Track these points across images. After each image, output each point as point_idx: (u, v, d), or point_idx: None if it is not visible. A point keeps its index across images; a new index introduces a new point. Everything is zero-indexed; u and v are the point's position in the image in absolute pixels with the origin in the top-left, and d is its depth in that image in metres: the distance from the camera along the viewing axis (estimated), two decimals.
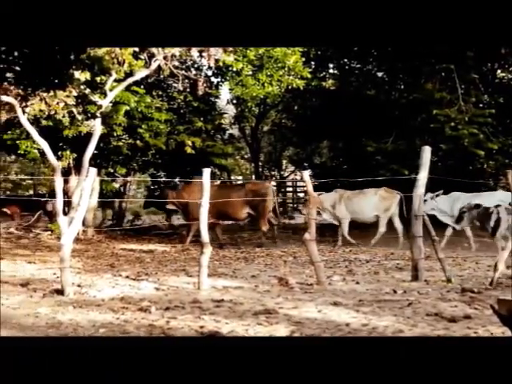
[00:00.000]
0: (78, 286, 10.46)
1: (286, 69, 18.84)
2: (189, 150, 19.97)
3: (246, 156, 34.57)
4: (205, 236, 10.58)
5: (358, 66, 23.85)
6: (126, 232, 20.22)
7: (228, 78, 20.08)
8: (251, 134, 30.15)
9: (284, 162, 34.03)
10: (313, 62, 23.29)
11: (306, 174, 11.68)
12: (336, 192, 17.83)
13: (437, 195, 13.77)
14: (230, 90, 21.83)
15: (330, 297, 9.28)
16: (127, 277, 11.50)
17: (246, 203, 17.27)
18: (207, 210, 10.60)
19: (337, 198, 17.62)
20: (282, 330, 7.25)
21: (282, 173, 33.72)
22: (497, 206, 10.64)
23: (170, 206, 18.74)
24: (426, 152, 10.63)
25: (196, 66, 20.93)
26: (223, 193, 17.61)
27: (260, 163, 31.70)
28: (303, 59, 19.34)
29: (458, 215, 11.08)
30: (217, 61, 13.65)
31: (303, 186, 20.12)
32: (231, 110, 29.43)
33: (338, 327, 7.33)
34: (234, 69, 18.37)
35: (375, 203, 16.80)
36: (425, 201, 13.34)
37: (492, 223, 10.48)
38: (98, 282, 11.01)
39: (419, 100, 20.54)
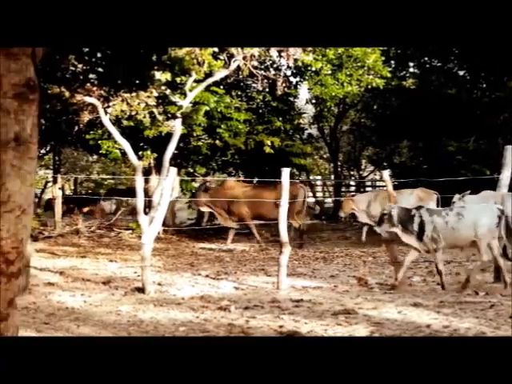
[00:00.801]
0: (159, 284, 10.59)
1: (366, 68, 18.67)
2: (268, 149, 19.97)
3: (324, 156, 34.38)
4: (284, 236, 10.58)
5: (439, 64, 23.44)
6: (206, 231, 20.37)
7: (307, 77, 20.00)
8: (330, 133, 29.97)
9: (363, 161, 33.74)
10: (393, 61, 23.04)
11: (386, 173, 11.56)
12: (372, 192, 17.61)
13: (463, 195, 13.36)
14: (308, 89, 21.75)
15: (411, 298, 9.17)
16: (207, 276, 11.58)
17: (276, 204, 17.18)
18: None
19: (372, 197, 17.41)
20: (361, 331, 7.19)
21: (360, 172, 33.45)
22: (418, 208, 10.39)
23: (203, 208, 18.87)
24: (509, 151, 10.39)
25: (275, 65, 20.91)
26: (257, 193, 17.60)
27: (339, 163, 31.51)
28: (383, 58, 19.15)
29: (378, 218, 10.78)
30: (296, 60, 13.63)
31: (383, 186, 19.90)
32: (310, 110, 29.32)
33: (419, 328, 7.23)
34: (313, 68, 18.31)
35: (411, 203, 16.48)
36: (453, 202, 13.10)
37: (416, 226, 10.21)
38: (178, 281, 11.13)
39: (502, 98, 20.11)
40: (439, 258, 10.05)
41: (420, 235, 10.14)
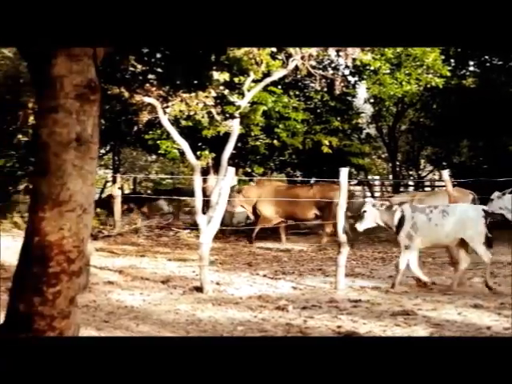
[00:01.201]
0: (217, 283, 10.62)
1: (425, 67, 18.47)
2: (325, 149, 19.91)
3: (383, 155, 34.15)
4: (342, 236, 10.53)
5: (500, 63, 23.06)
6: (264, 231, 20.38)
7: (365, 76, 19.90)
8: (388, 133, 29.75)
9: (422, 161, 33.39)
10: (452, 60, 22.74)
11: (446, 173, 11.45)
12: (407, 193, 17.34)
13: (503, 193, 13.03)
14: (367, 89, 21.63)
15: (471, 299, 9.05)
16: (264, 275, 11.58)
17: (313, 204, 17.00)
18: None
19: (409, 199, 17.17)
20: (420, 332, 7.12)
21: (419, 172, 33.10)
22: (401, 204, 10.34)
23: (238, 208, 18.83)
24: None
25: (333, 65, 20.85)
26: (292, 193, 17.48)
27: (397, 163, 31.25)
28: (442, 57, 18.91)
29: (359, 215, 10.64)
30: (354, 60, 13.55)
31: (442, 186, 19.66)
32: (368, 109, 29.16)
33: (479, 330, 7.14)
34: (372, 67, 18.20)
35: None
36: (491, 200, 12.82)
37: (396, 221, 10.16)
38: (236, 280, 11.15)
39: None
40: (405, 257, 10.05)
41: (398, 231, 10.14)
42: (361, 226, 10.44)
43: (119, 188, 22.11)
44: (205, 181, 16.78)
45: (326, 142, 19.99)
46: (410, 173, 33.50)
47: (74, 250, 3.91)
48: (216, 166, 16.10)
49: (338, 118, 21.56)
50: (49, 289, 3.90)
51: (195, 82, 7.29)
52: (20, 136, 22.17)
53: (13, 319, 4.04)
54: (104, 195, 26.02)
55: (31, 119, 19.21)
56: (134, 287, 10.39)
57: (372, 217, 10.34)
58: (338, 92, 15.67)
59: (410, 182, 32.09)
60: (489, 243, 9.93)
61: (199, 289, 10.07)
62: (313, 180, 21.12)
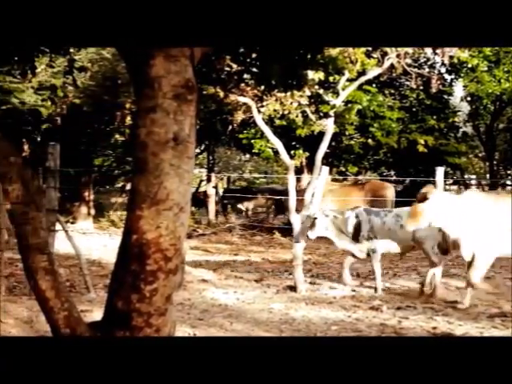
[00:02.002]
0: (310, 283, 10.61)
1: None
2: (421, 148, 19.66)
3: (480, 154, 33.49)
4: None
5: None
6: None
7: (462, 74, 19.56)
8: (486, 131, 29.13)
9: None
10: None
11: None
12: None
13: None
14: (464, 86, 21.28)
15: None
16: (358, 275, 11.51)
17: (365, 203, 16.66)
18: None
19: None
20: None
21: None
22: (354, 209, 10.06)
23: None
24: None
25: (429, 63, 20.57)
26: (344, 191, 17.16)
27: (495, 162, 30.58)
28: None
29: (311, 222, 10.13)
30: (451, 57, 13.31)
31: None
32: (465, 108, 28.63)
33: None
34: (469, 65, 17.87)
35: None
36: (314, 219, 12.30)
37: (350, 228, 9.85)
38: (330, 280, 11.12)
39: None
40: (377, 259, 9.90)
41: (356, 236, 9.90)
42: (312, 235, 10.23)
43: (213, 187, 22.36)
44: (298, 180, 16.79)
45: (422, 141, 19.74)
46: (508, 172, 32.73)
47: (170, 248, 3.95)
48: (310, 165, 16.11)
49: (434, 117, 21.26)
50: (146, 286, 3.96)
51: (291, 81, 7.27)
52: (117, 136, 22.64)
53: (111, 316, 4.12)
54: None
55: (128, 119, 19.60)
56: (228, 286, 10.48)
57: (323, 225, 10.12)
58: (434, 90, 15.47)
59: (508, 182, 31.35)
60: (444, 250, 9.68)
61: (293, 288, 10.09)
62: (407, 180, 20.88)
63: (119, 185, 25.00)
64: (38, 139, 21.54)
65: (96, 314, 7.68)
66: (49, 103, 18.93)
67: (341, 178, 20.71)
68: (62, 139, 16.46)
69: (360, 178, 21.02)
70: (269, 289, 10.22)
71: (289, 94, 10.46)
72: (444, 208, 8.80)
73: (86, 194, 20.90)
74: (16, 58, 8.37)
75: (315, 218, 10.11)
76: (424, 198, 8.87)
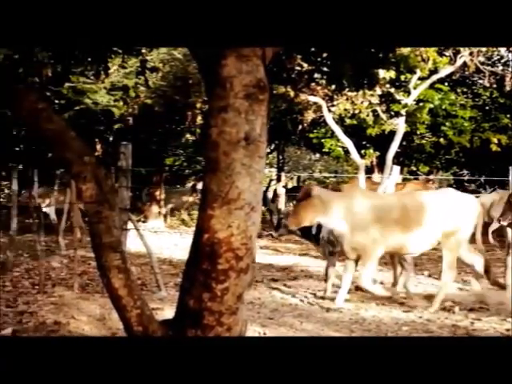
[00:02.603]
0: (381, 283, 10.52)
1: None
2: (494, 147, 19.31)
3: None
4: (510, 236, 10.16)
5: None
6: None
7: None
8: None
9: None
10: None
11: None
12: (497, 193, 16.17)
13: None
14: None
15: None
16: (430, 275, 11.36)
17: None
18: None
19: (496, 199, 16.09)
20: None
21: None
22: None
23: None
24: None
25: (503, 60, 20.18)
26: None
27: None
28: None
29: (276, 222, 9.74)
30: None
31: None
32: None
33: None
34: None
35: None
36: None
37: (314, 229, 9.59)
38: (401, 280, 10.99)
39: None
40: (332, 263, 9.67)
41: (317, 239, 9.69)
42: (276, 233, 10.05)
43: (283, 186, 22.38)
44: (368, 179, 16.68)
45: (495, 140, 19.39)
46: None
47: (242, 248, 3.96)
48: (380, 165, 16.00)
49: (508, 115, 20.84)
50: (217, 285, 3.98)
51: (363, 80, 7.22)
52: (188, 135, 22.82)
53: (182, 314, 4.15)
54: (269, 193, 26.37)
55: (199, 119, 19.76)
56: (297, 285, 10.47)
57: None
58: (508, 88, 15.17)
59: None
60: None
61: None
62: (482, 179, 20.53)
63: (190, 184, 25.21)
64: (111, 139, 21.89)
65: (167, 313, 7.76)
66: (121, 103, 19.22)
67: (412, 177, 20.49)
68: (134, 139, 16.69)
69: (431, 177, 20.76)
70: (339, 288, 10.17)
71: (360, 93, 10.41)
72: (326, 205, 8.75)
73: (157, 193, 21.16)
74: (89, 59, 8.51)
75: (281, 218, 10.21)
76: (305, 196, 8.84)
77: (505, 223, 9.28)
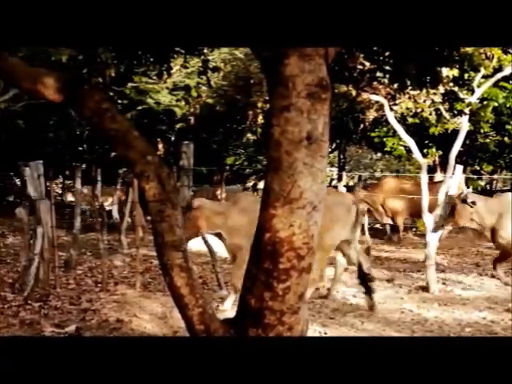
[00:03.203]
0: (443, 283, 10.40)
1: None
2: None
3: None
4: None
5: None
6: None
7: None
8: None
9: None
10: None
11: None
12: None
13: None
14: None
15: None
16: (493, 276, 11.18)
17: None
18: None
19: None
20: None
21: None
22: None
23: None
24: None
25: None
26: (417, 190, 16.38)
27: None
28: None
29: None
30: None
31: None
32: None
33: None
34: None
35: None
36: None
37: None
38: (463, 281, 10.87)
39: None
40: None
41: None
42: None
43: (344, 186, 22.24)
44: (431, 179, 16.50)
45: None
46: None
47: (303, 247, 3.96)
48: (443, 164, 15.78)
49: None
50: (279, 284, 3.98)
51: (426, 79, 7.13)
52: (249, 135, 22.88)
53: (244, 313, 4.16)
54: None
55: (260, 118, 19.79)
56: (358, 285, 10.40)
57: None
58: None
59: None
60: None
61: (425, 288, 9.92)
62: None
63: (250, 183, 25.28)
64: (172, 138, 22.08)
65: (228, 312, 7.80)
66: (183, 103, 19.38)
67: (475, 176, 20.20)
68: (196, 138, 16.79)
69: (495, 176, 20.44)
70: (400, 289, 10.09)
71: (423, 91, 10.30)
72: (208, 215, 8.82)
73: (218, 192, 21.25)
74: (152, 60, 8.60)
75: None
76: (188, 208, 8.89)
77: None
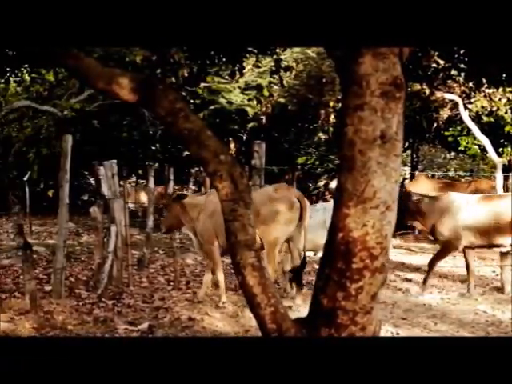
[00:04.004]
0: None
1: None
2: None
3: None
4: None
5: None
6: None
7: None
8: None
9: None
10: None
11: None
12: None
13: None
14: None
15: None
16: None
17: None
18: None
19: None
20: None
21: None
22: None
23: None
24: None
25: None
26: (450, 189, 15.82)
27: None
28: None
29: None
30: None
31: None
32: None
33: None
34: None
35: None
36: None
37: None
38: None
39: None
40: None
41: None
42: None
43: None
44: (506, 178, 16.21)
45: None
46: None
47: (376, 247, 3.93)
48: None
49: None
50: (352, 284, 3.96)
51: (504, 77, 6.99)
52: (320, 134, 22.82)
53: (316, 313, 4.15)
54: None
55: (332, 118, 19.72)
56: (431, 285, 10.28)
57: None
58: None
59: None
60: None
61: (500, 289, 9.76)
62: None
63: (322, 183, 25.20)
64: (244, 138, 22.17)
65: (299, 311, 7.80)
66: (255, 102, 19.44)
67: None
68: (267, 138, 16.81)
69: None
70: (474, 290, 9.93)
71: (499, 89, 10.12)
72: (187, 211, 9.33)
73: None
74: (224, 59, 8.65)
75: None
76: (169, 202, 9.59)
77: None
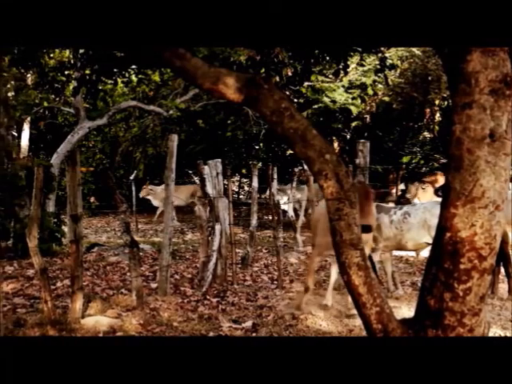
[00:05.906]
0: None
1: None
2: None
3: None
4: None
5: None
6: None
7: None
8: None
9: None
10: None
11: None
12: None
13: None
14: None
15: None
16: None
17: None
18: None
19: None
20: None
21: None
22: None
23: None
24: None
25: None
26: None
27: None
28: None
29: None
30: None
31: None
32: None
33: None
34: None
35: None
36: None
37: None
38: None
39: None
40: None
41: None
42: None
43: None
44: None
45: None
46: None
47: (485, 247, 3.86)
48: None
49: None
50: (460, 285, 3.90)
51: None
52: (425, 133, 22.50)
53: (423, 314, 4.11)
54: None
55: (437, 116, 19.40)
56: None
57: None
58: None
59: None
60: None
61: None
62: None
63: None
64: (348, 137, 22.06)
65: (403, 311, 7.72)
66: (359, 101, 19.33)
67: None
68: (371, 137, 16.68)
69: None
70: None
71: None
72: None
73: (394, 190, 21.04)
74: (329, 58, 8.64)
75: None
76: None
77: None
